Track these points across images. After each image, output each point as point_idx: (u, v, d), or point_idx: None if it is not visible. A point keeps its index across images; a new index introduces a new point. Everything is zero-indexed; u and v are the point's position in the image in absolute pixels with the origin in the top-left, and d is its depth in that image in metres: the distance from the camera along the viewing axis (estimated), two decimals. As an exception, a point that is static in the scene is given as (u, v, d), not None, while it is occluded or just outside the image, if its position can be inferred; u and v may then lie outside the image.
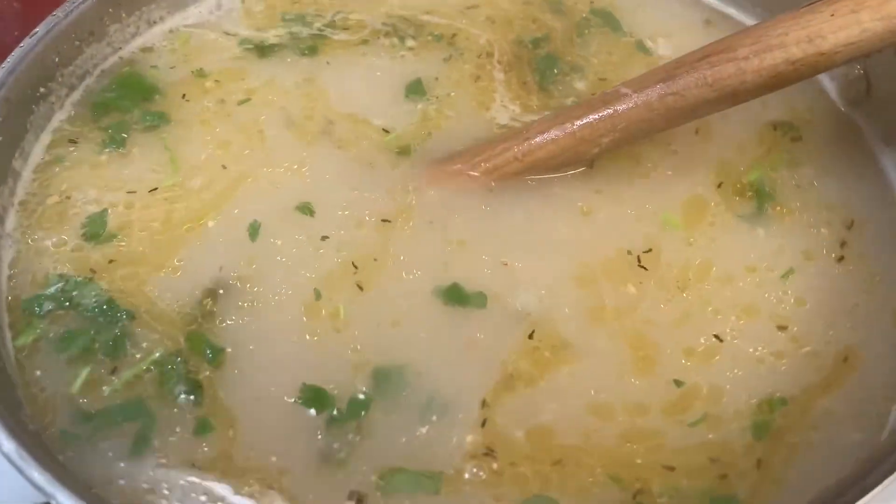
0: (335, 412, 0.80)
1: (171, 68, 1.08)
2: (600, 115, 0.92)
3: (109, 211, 0.94)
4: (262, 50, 1.11)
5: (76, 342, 0.84)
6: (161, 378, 0.82)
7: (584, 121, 0.92)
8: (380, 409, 0.81)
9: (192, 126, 1.02)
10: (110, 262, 0.90)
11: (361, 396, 0.81)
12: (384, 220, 0.94)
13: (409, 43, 1.12)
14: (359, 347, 0.85)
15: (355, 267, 0.90)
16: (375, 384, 0.82)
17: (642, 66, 1.10)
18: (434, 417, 0.81)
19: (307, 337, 0.85)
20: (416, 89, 1.07)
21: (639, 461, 0.80)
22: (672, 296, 0.90)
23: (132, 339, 0.85)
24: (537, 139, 0.94)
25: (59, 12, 1.01)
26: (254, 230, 0.93)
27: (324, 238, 0.92)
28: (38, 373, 0.83)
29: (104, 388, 0.81)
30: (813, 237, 0.96)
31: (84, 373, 0.82)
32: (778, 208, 0.98)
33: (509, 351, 0.85)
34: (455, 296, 0.88)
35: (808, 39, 0.84)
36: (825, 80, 1.10)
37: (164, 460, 0.78)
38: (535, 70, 1.10)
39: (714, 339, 0.87)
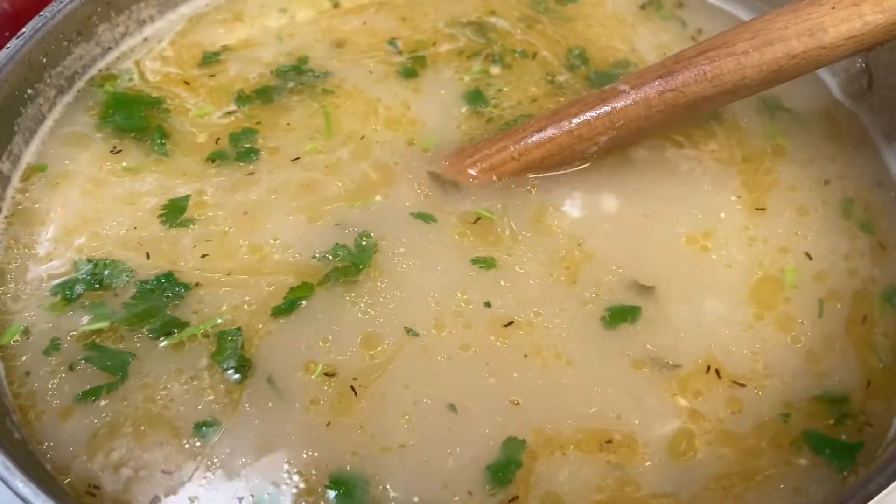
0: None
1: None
2: (598, 112, 0.90)
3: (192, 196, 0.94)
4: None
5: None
6: (218, 345, 0.83)
7: (582, 118, 0.91)
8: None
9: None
10: (197, 249, 0.90)
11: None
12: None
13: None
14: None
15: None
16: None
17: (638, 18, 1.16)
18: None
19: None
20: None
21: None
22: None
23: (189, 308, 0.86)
24: (534, 137, 0.93)
25: (46, 12, 0.99)
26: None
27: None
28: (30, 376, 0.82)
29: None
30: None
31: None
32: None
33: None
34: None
35: (810, 33, 0.83)
36: (826, 74, 1.08)
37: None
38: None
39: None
